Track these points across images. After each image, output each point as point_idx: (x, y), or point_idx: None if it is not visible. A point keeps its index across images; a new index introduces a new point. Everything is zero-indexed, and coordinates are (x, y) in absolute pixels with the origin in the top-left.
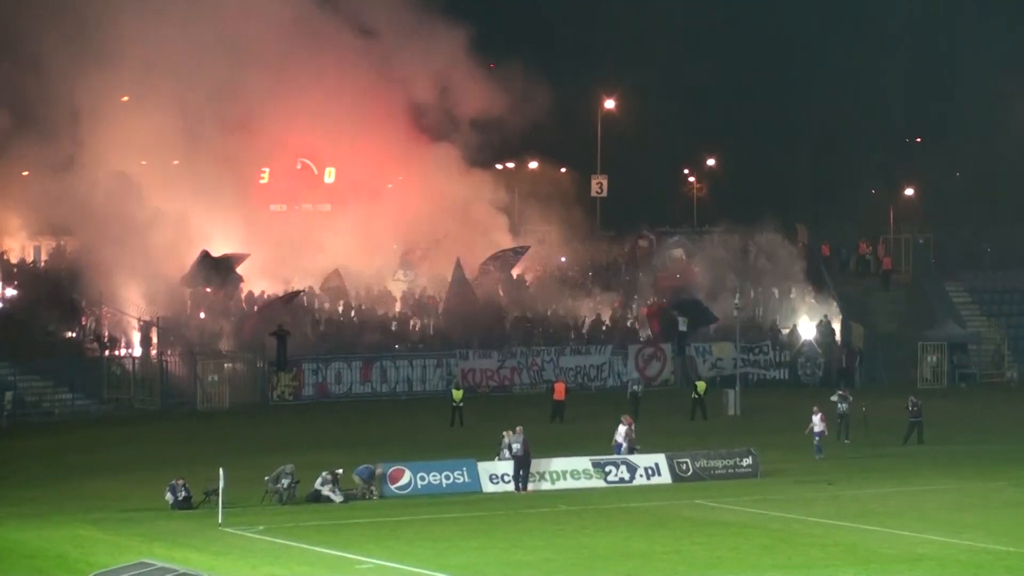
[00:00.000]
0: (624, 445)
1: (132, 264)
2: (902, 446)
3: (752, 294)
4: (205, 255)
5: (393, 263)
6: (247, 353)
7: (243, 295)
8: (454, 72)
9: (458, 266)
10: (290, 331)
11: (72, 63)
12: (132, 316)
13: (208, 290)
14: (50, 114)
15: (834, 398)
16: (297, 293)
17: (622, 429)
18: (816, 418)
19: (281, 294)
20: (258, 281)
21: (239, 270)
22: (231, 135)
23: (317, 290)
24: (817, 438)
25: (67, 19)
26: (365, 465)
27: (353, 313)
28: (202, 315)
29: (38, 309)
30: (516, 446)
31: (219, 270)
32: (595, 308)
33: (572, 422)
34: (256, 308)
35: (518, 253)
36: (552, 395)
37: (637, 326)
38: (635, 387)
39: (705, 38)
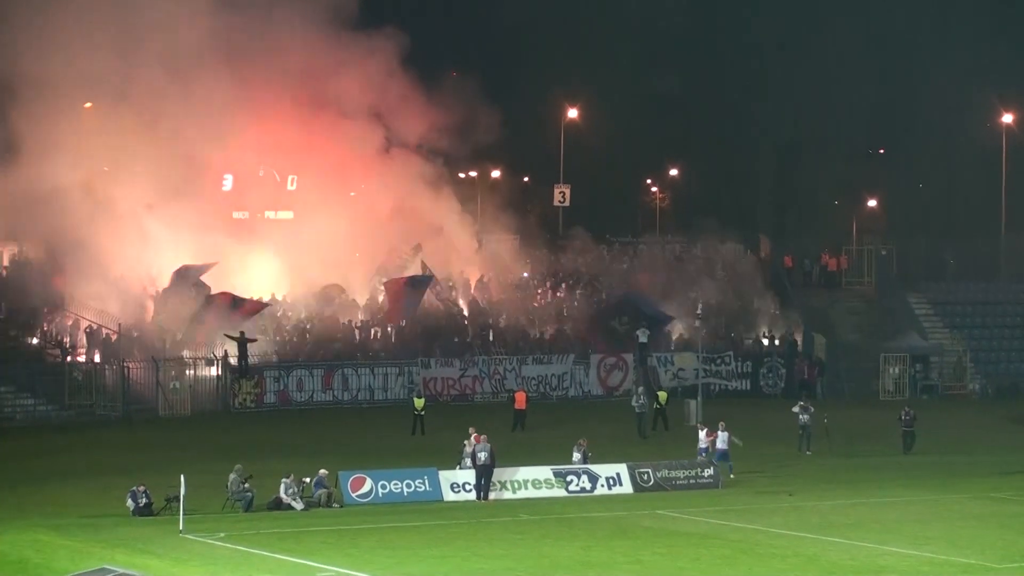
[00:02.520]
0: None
1: (93, 270)
2: (904, 455)
3: (714, 304)
4: (184, 270)
5: (357, 271)
6: (209, 360)
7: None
8: (415, 81)
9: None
10: (253, 337)
11: (32, 68)
12: (94, 322)
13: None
14: (10, 119)
15: (796, 409)
16: (264, 305)
17: (704, 435)
18: (702, 434)
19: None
20: (220, 288)
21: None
22: (193, 141)
23: (281, 298)
24: (702, 455)
25: (29, 20)
26: (318, 478)
27: (310, 326)
28: (161, 322)
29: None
30: (483, 455)
31: (190, 281)
32: (558, 317)
33: (533, 431)
34: (215, 306)
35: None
36: (513, 404)
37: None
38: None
39: (669, 49)
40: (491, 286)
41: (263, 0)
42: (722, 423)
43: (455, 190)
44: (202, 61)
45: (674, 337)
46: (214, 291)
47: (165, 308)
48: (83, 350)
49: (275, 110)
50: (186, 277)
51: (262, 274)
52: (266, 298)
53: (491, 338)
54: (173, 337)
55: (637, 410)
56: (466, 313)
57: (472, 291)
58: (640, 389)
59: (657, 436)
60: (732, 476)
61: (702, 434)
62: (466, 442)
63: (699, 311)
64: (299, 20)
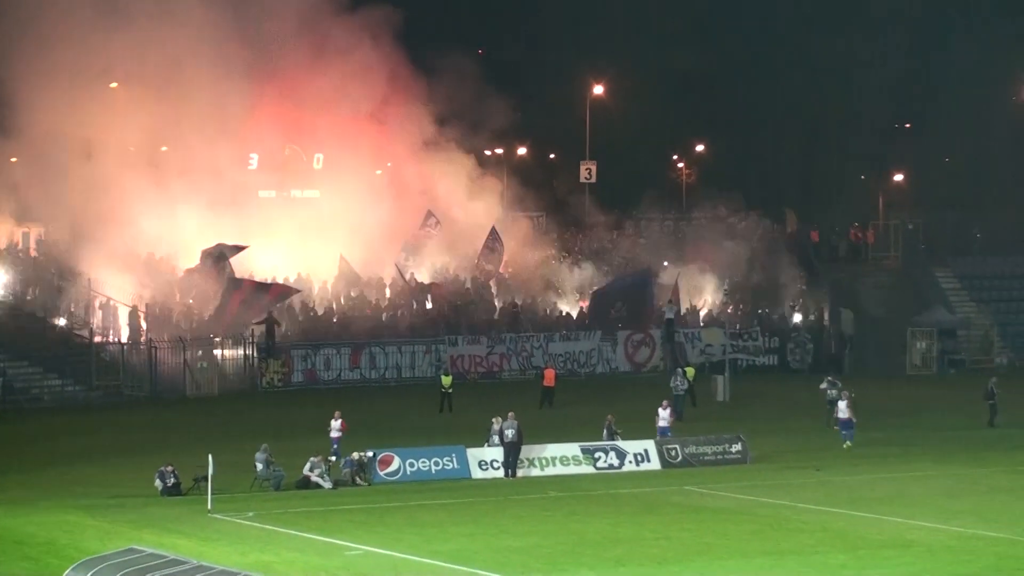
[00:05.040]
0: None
1: (120, 251)
2: (992, 427)
3: (740, 280)
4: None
5: (386, 249)
6: (236, 340)
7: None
8: (440, 58)
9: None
10: (279, 321)
11: (59, 49)
12: (121, 302)
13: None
14: (36, 99)
15: (823, 385)
16: (294, 291)
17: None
18: (664, 412)
19: (269, 281)
20: (248, 268)
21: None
22: (219, 120)
23: (309, 276)
24: (666, 434)
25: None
26: (348, 458)
27: (343, 299)
28: (191, 301)
29: (27, 295)
30: (510, 432)
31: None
32: (583, 294)
33: (561, 408)
34: (240, 291)
35: (495, 239)
36: (542, 381)
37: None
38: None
39: (694, 23)
40: (516, 263)
41: None
42: (846, 392)
43: (481, 167)
44: (225, 40)
45: (702, 312)
46: (238, 273)
47: (193, 288)
48: (110, 331)
49: (299, 88)
50: (219, 256)
51: (289, 253)
52: (292, 278)
53: (519, 315)
54: (200, 317)
55: (675, 392)
56: (494, 291)
57: (500, 268)
58: (678, 370)
59: (685, 412)
60: (848, 445)
61: (664, 412)
62: (494, 419)
63: (726, 286)
64: None
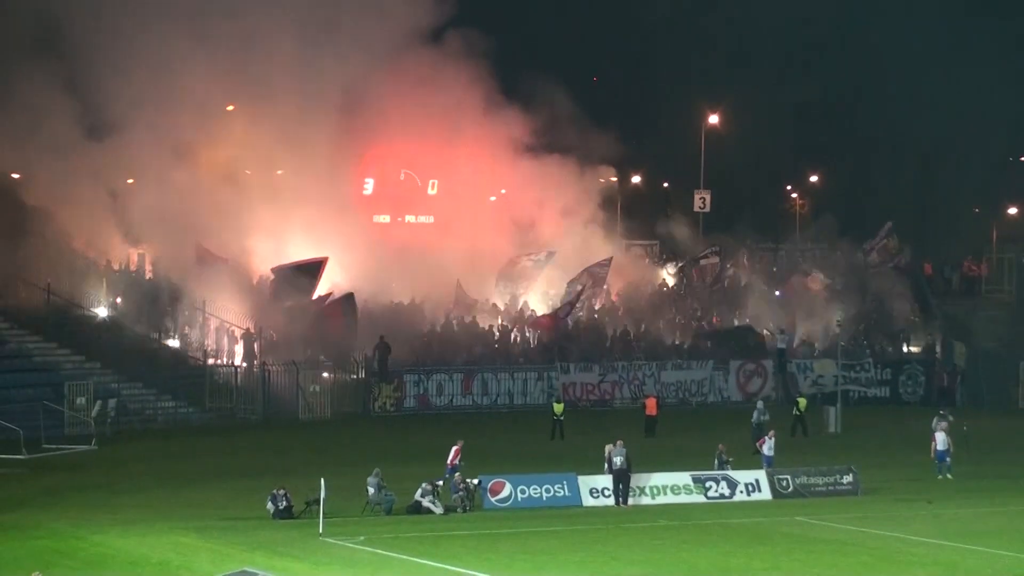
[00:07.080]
0: None
1: (233, 275)
2: None
3: (854, 312)
4: (278, 270)
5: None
6: (348, 364)
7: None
8: (554, 85)
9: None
10: (391, 344)
11: (179, 72)
12: (235, 325)
13: (288, 304)
14: (153, 122)
15: (935, 419)
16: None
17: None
18: (770, 441)
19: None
20: (361, 292)
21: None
22: (335, 145)
23: (419, 301)
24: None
25: (178, 28)
26: (454, 482)
27: (456, 325)
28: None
29: (141, 317)
30: (618, 459)
31: (302, 276)
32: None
33: (672, 437)
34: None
35: (603, 266)
36: (644, 411)
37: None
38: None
39: (809, 55)
40: (630, 292)
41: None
42: (944, 423)
43: (596, 195)
44: (344, 67)
45: (816, 344)
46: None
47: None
48: (223, 354)
49: (419, 113)
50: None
51: (402, 278)
52: (405, 302)
53: (632, 343)
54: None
55: (754, 423)
56: (606, 319)
57: (613, 297)
58: (760, 404)
59: (797, 442)
60: (947, 477)
61: (770, 442)
62: (608, 447)
63: (838, 319)
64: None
